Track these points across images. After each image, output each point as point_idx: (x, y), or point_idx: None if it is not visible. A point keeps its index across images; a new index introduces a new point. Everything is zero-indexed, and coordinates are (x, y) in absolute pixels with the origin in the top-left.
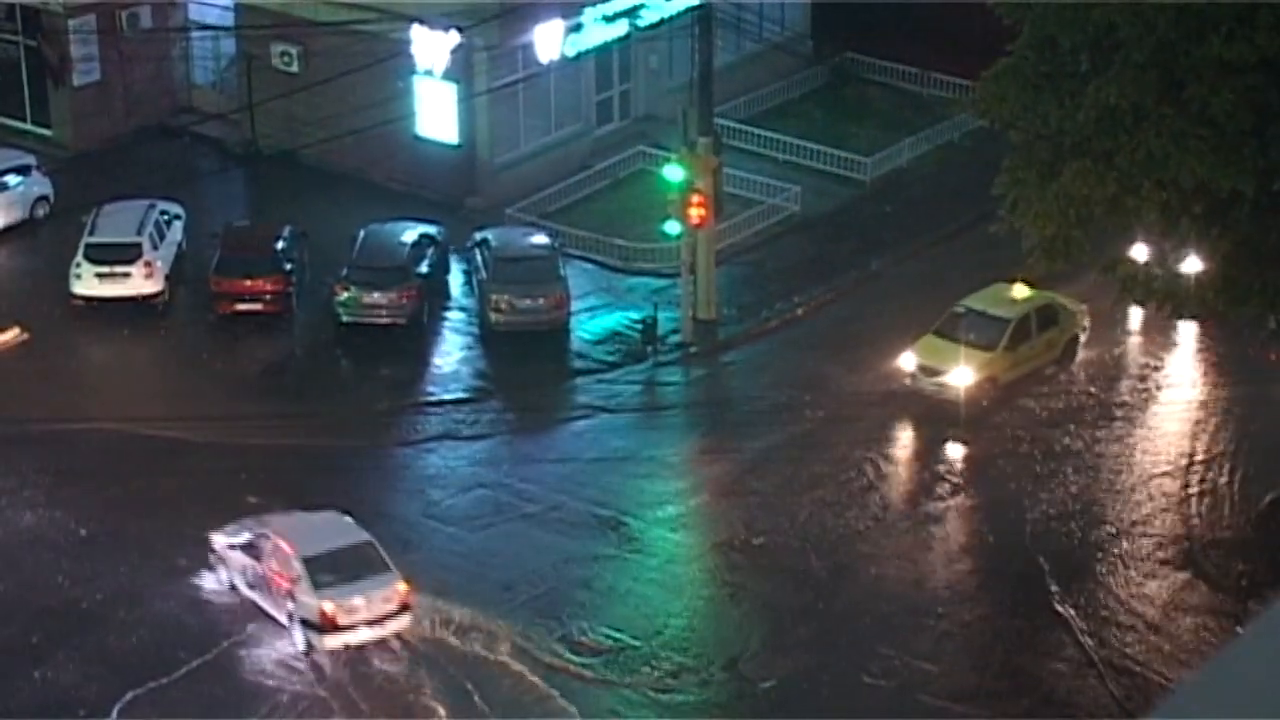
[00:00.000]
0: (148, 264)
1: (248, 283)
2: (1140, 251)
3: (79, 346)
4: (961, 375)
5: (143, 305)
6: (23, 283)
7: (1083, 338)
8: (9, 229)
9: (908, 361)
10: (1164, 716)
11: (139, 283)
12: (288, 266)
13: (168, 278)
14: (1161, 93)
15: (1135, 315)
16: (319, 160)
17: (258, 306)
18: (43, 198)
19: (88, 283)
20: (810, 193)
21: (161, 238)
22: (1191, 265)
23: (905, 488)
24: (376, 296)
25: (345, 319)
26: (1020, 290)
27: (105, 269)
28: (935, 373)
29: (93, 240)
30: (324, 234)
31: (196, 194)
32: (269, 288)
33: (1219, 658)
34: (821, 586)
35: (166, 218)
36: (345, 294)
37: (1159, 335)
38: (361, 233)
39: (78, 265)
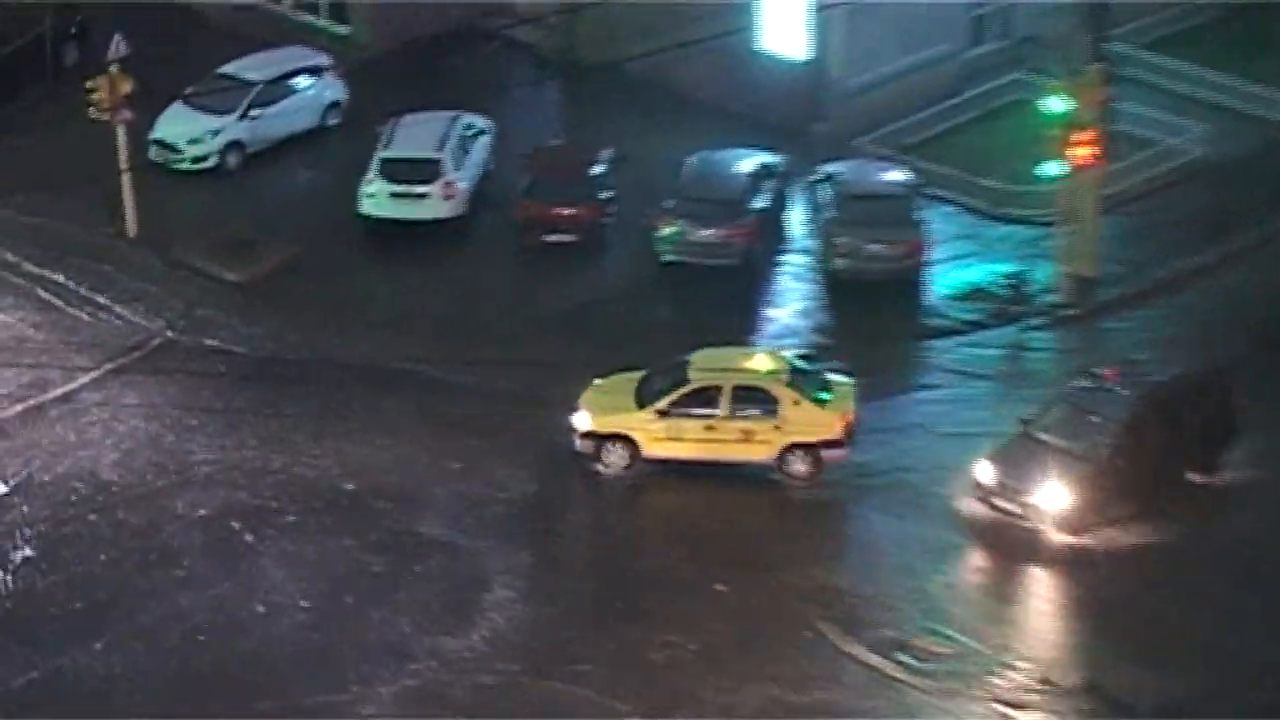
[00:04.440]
0: (448, 184)
1: (559, 211)
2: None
3: (364, 272)
4: (581, 420)
5: (440, 230)
6: (308, 198)
7: (838, 449)
8: (297, 136)
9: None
10: None
11: (437, 204)
12: (604, 195)
13: (470, 200)
14: None
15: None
16: (646, 74)
17: (569, 238)
18: (335, 103)
19: (380, 202)
20: (1217, 134)
21: (465, 155)
22: None
23: None
24: (705, 233)
25: (667, 257)
26: (761, 361)
27: (401, 187)
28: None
29: (388, 155)
30: (646, 158)
31: (506, 107)
32: (583, 217)
33: None
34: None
35: (472, 133)
36: (669, 229)
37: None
38: (691, 160)
39: (370, 182)
